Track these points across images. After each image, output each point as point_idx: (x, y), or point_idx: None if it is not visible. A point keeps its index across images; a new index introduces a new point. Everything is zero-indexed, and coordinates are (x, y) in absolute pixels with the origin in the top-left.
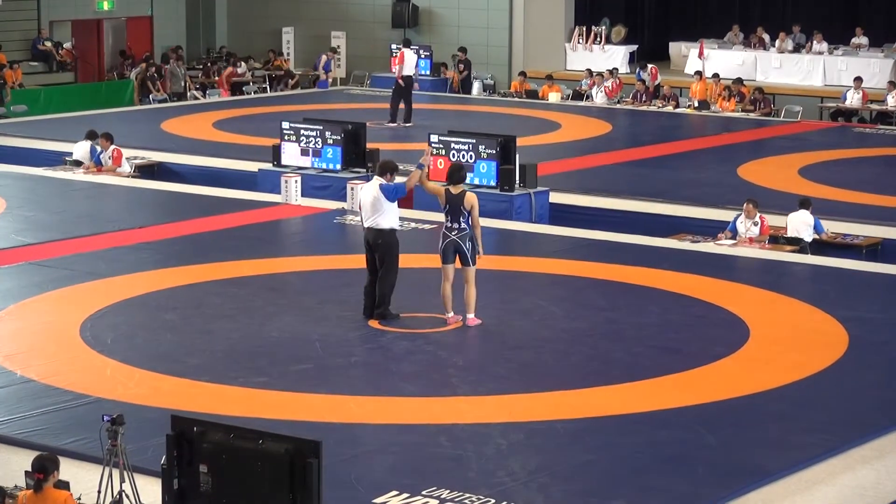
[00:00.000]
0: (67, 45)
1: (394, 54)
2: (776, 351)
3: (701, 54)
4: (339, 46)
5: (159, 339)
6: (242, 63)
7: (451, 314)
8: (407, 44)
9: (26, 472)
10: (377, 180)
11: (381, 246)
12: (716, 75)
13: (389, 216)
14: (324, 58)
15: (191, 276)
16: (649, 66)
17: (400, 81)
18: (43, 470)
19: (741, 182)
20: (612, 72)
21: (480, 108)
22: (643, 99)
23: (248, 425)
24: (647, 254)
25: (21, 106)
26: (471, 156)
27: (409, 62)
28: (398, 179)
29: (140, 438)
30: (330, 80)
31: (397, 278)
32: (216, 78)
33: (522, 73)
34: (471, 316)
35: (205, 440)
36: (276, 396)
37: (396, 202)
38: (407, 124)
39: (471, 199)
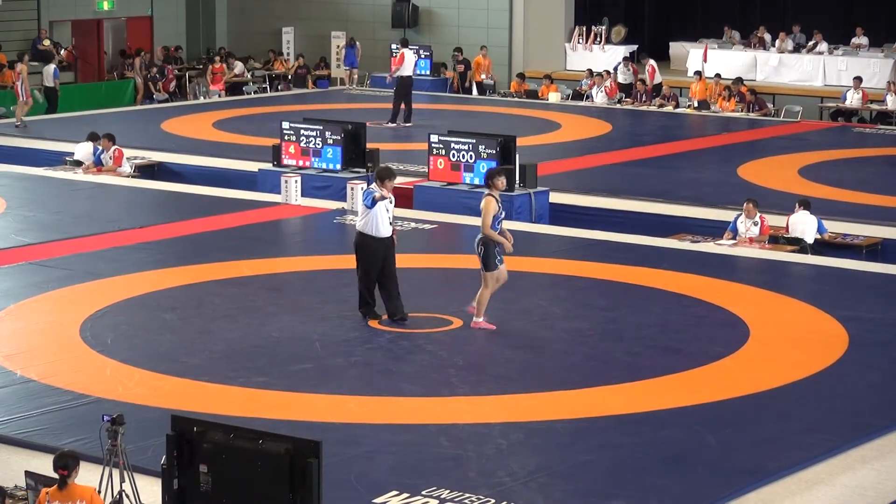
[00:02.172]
0: (68, 46)
1: (394, 54)
2: (776, 351)
3: (705, 58)
4: (339, 46)
5: (159, 339)
6: (239, 63)
7: (474, 312)
8: (405, 44)
9: (26, 473)
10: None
11: (356, 247)
12: (717, 75)
13: (363, 220)
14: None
15: (191, 276)
16: (651, 61)
17: (388, 79)
18: (66, 466)
19: (741, 182)
20: (626, 59)
21: (480, 108)
22: (643, 99)
23: (248, 425)
24: (647, 254)
25: None
26: (471, 156)
27: (408, 62)
28: (397, 181)
29: (140, 438)
30: (356, 76)
31: (367, 280)
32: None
33: (521, 75)
34: (477, 319)
35: (205, 440)
36: (276, 396)
37: (375, 207)
38: (407, 124)
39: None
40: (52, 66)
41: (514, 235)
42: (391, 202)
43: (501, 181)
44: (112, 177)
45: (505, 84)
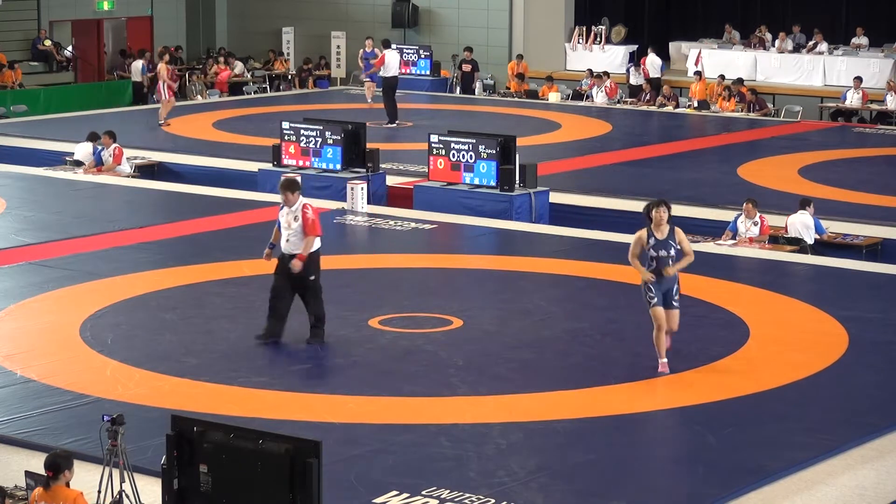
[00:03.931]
0: (69, 49)
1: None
2: (776, 351)
3: (697, 62)
4: (339, 46)
5: (159, 339)
6: (239, 63)
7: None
8: (387, 45)
9: (26, 473)
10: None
11: None
12: (721, 76)
13: None
14: (361, 51)
15: (191, 276)
16: (650, 57)
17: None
18: (53, 467)
19: (741, 182)
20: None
21: (480, 108)
22: (646, 98)
23: (248, 425)
24: None
25: (21, 106)
26: (471, 156)
27: (391, 63)
28: (397, 181)
29: (140, 438)
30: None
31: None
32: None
33: (520, 76)
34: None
35: (205, 440)
36: (276, 396)
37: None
38: (391, 125)
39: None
40: (140, 62)
41: (514, 235)
42: (296, 218)
43: (654, 212)
44: (112, 177)
45: (505, 84)
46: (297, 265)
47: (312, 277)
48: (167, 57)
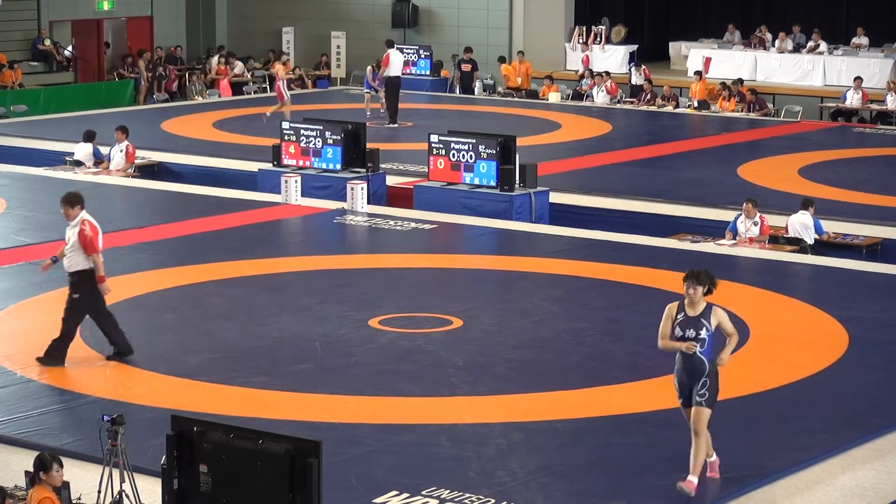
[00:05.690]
0: (69, 49)
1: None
2: (776, 351)
3: (706, 69)
4: (339, 46)
5: (159, 339)
6: (239, 63)
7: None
8: (390, 44)
9: (26, 473)
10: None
11: None
12: (723, 84)
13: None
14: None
15: (191, 276)
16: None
17: (375, 84)
18: (36, 466)
19: (741, 182)
20: (636, 63)
21: (480, 108)
22: (647, 98)
23: (248, 425)
24: (648, 254)
25: (21, 106)
26: (471, 156)
27: (394, 63)
28: (397, 181)
29: (140, 438)
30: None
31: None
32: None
33: (520, 52)
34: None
35: (205, 440)
36: (276, 396)
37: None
38: (392, 125)
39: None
40: (214, 58)
41: (514, 235)
42: (76, 234)
43: (687, 286)
44: (112, 176)
45: (504, 83)
46: (106, 289)
47: (76, 296)
48: (284, 57)
